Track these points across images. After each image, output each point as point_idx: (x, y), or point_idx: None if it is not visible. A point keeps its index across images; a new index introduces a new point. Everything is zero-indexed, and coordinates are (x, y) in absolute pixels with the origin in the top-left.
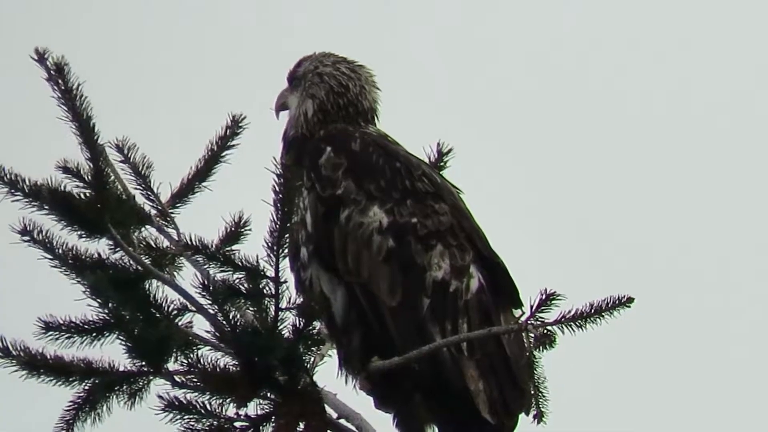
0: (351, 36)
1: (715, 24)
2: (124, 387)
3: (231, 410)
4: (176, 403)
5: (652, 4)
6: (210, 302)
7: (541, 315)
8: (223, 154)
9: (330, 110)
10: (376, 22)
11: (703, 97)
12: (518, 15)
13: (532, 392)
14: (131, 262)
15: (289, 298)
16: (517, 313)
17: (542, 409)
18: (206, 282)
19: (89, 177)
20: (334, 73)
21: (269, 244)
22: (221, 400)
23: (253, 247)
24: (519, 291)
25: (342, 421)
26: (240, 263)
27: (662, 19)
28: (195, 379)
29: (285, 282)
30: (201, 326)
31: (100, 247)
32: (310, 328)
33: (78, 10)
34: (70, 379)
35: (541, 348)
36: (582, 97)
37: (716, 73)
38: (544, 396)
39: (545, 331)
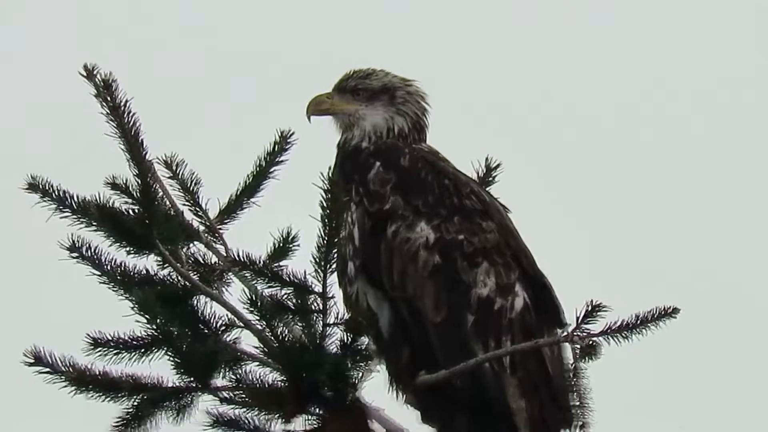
0: (390, 50)
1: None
2: (172, 402)
3: (278, 426)
4: (223, 419)
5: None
6: (257, 318)
7: (586, 326)
8: (272, 169)
9: (413, 128)
10: (418, 37)
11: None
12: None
13: (577, 404)
14: (179, 278)
15: (337, 314)
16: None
17: (586, 420)
18: (254, 297)
19: (137, 193)
20: (418, 91)
21: (317, 260)
22: (268, 416)
23: (300, 263)
24: (563, 311)
25: None
26: (288, 279)
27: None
28: (242, 395)
29: (332, 297)
30: (248, 342)
31: (148, 263)
32: (357, 343)
33: (125, 26)
34: (119, 395)
35: (585, 359)
36: (626, 113)
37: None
38: (588, 407)
39: (590, 342)
